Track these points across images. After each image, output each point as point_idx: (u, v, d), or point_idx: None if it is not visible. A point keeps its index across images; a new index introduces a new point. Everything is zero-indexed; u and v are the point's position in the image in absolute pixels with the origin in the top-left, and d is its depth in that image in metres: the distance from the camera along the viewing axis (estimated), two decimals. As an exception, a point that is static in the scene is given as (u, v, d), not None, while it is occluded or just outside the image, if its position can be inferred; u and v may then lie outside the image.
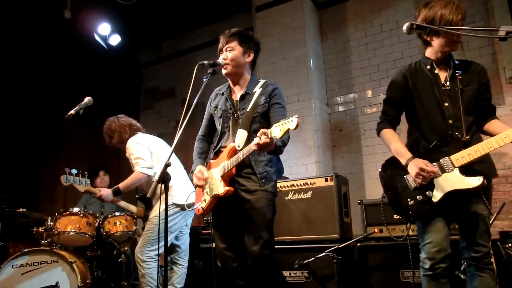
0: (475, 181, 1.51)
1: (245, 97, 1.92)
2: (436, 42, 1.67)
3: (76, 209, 2.87)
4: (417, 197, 1.62)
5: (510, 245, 2.30)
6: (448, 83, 1.67)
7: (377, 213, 2.57)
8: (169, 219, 2.41)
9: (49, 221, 2.79)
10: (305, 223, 2.77)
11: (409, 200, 1.64)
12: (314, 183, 2.81)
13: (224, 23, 4.82)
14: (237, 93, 1.96)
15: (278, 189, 2.09)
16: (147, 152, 2.56)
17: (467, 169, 1.55)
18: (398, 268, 2.41)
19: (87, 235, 2.80)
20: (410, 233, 1.98)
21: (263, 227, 1.77)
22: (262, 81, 1.96)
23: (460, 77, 1.64)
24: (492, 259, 1.65)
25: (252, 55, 1.95)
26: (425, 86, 1.70)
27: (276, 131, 1.52)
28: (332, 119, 4.14)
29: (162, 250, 2.20)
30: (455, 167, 1.55)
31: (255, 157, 1.82)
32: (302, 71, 3.97)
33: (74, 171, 2.50)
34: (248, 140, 1.77)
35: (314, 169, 3.69)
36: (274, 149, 1.67)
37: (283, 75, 4.04)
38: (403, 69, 1.78)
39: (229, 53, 1.90)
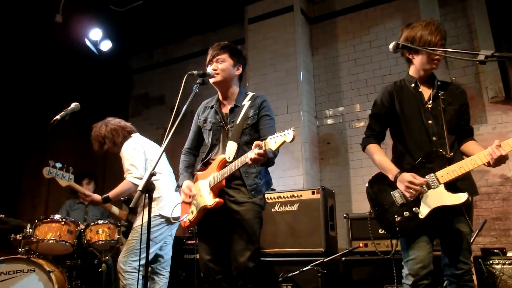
0: (461, 198, 1.54)
1: (234, 110, 1.93)
2: (417, 60, 1.73)
3: (57, 216, 2.78)
4: (404, 213, 1.64)
5: (491, 262, 2.34)
6: (431, 101, 1.72)
7: (362, 227, 2.57)
8: (154, 229, 2.37)
9: (28, 228, 2.70)
10: (291, 235, 2.75)
11: (396, 216, 1.65)
12: (301, 195, 2.81)
13: (216, 34, 4.85)
14: (227, 105, 1.97)
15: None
16: (142, 159, 2.48)
17: (451, 187, 1.58)
18: (382, 283, 2.41)
19: (67, 243, 2.71)
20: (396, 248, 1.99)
21: (250, 239, 1.76)
22: (250, 94, 1.99)
23: (442, 97, 1.70)
24: (474, 276, 1.67)
25: (241, 69, 1.99)
26: (409, 103, 1.75)
27: (271, 143, 1.52)
28: (320, 132, 4.18)
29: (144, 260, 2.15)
30: (440, 183, 1.58)
31: (246, 169, 1.82)
32: (292, 84, 4.01)
33: (58, 164, 2.43)
34: (238, 152, 1.78)
35: (301, 181, 3.70)
36: (266, 161, 1.67)
37: (273, 87, 4.08)
38: (389, 86, 1.82)
39: (220, 64, 1.92)
